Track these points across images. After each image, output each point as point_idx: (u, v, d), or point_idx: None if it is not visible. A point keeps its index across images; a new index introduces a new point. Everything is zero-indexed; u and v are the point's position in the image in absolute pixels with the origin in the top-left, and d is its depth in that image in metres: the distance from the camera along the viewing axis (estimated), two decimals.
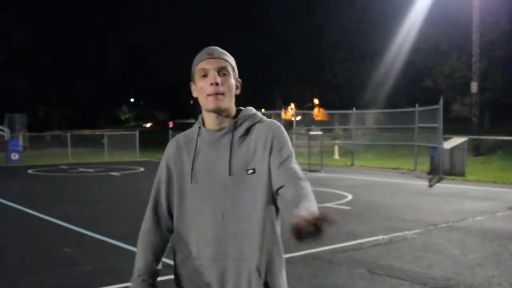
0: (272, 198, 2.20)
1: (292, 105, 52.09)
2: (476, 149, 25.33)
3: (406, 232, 9.11)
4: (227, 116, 2.27)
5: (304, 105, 51.44)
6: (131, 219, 9.93)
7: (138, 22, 62.86)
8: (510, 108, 32.67)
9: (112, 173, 20.20)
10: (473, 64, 25.06)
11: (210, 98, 2.21)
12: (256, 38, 49.26)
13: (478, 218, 10.59)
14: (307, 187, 2.12)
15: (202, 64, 2.25)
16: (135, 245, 2.37)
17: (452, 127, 26.72)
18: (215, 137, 2.25)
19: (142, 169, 22.01)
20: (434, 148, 19.10)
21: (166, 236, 2.37)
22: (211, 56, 2.25)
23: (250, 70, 47.67)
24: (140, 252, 2.34)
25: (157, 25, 57.68)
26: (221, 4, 53.76)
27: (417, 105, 21.63)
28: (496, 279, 6.45)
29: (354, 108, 25.32)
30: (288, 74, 48.90)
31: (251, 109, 2.35)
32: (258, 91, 48.39)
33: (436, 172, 18.30)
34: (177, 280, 2.30)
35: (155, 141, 35.19)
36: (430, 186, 16.16)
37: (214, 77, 2.21)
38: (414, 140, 21.81)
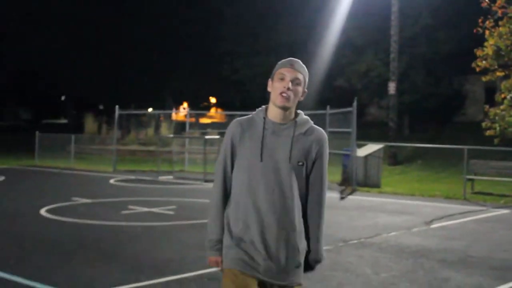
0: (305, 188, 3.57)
1: (185, 105, 51.99)
2: (393, 158, 26.49)
3: None
4: (289, 114, 3.53)
5: (199, 105, 51.35)
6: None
7: None
8: (431, 113, 34.08)
9: None
10: (391, 62, 26.14)
11: (280, 97, 3.46)
12: (141, 25, 48.26)
13: (393, 233, 11.23)
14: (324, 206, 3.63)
15: (283, 70, 3.55)
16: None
17: (367, 132, 27.79)
18: (279, 128, 3.50)
19: (2, 177, 21.39)
20: (346, 155, 19.82)
21: None
22: (292, 67, 3.55)
23: (134, 63, 47.00)
24: (213, 225, 3.58)
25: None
26: None
27: (328, 107, 22.17)
28: None
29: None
30: (180, 69, 48.13)
31: (304, 115, 3.62)
32: (145, 87, 47.69)
33: (349, 183, 19.04)
34: (230, 236, 3.51)
35: (18, 144, 34.16)
36: (342, 198, 16.84)
37: (288, 83, 3.48)
38: None
